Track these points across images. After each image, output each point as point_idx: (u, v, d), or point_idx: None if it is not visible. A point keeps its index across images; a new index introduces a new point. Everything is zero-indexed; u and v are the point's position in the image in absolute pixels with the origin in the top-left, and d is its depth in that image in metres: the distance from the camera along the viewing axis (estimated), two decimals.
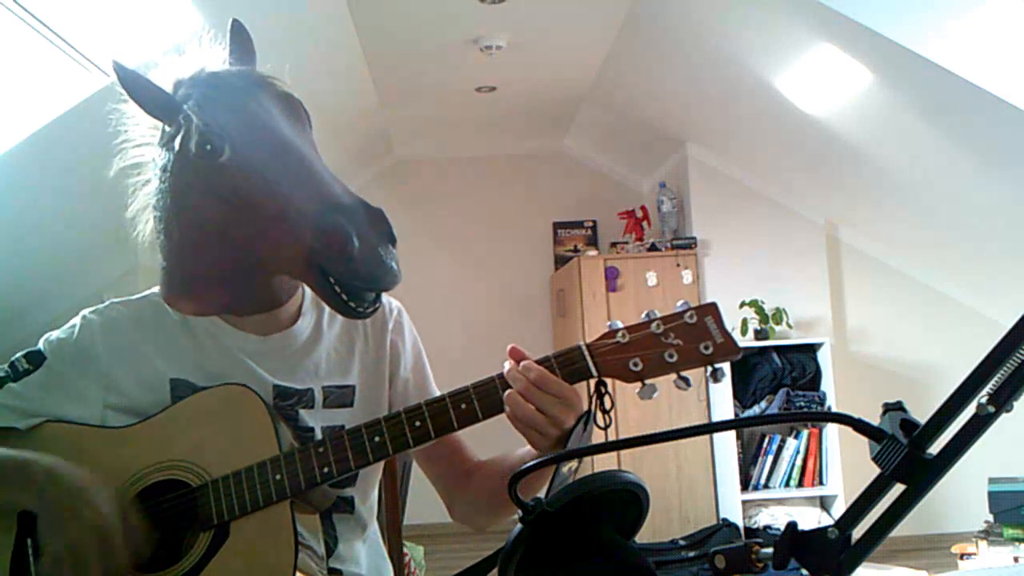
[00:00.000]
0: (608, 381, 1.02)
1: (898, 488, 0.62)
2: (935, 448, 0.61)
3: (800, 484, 4.43)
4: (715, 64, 3.89)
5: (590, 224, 5.63)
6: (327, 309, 1.22)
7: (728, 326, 1.02)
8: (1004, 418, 0.60)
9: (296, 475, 1.02)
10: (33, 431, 1.08)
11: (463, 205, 5.77)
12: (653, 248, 4.74)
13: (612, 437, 0.92)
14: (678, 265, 4.66)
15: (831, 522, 0.82)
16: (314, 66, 3.70)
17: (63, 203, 3.27)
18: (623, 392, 1.03)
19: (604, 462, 4.08)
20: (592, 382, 1.03)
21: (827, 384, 4.44)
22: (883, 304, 4.83)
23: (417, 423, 1.03)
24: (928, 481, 0.60)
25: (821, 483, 4.42)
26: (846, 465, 4.28)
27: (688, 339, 1.00)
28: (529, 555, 0.66)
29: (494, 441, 1.29)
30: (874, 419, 0.65)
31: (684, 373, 1.00)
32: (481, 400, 1.02)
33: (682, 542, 4.38)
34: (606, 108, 5.04)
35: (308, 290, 1.23)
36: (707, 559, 0.68)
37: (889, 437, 0.62)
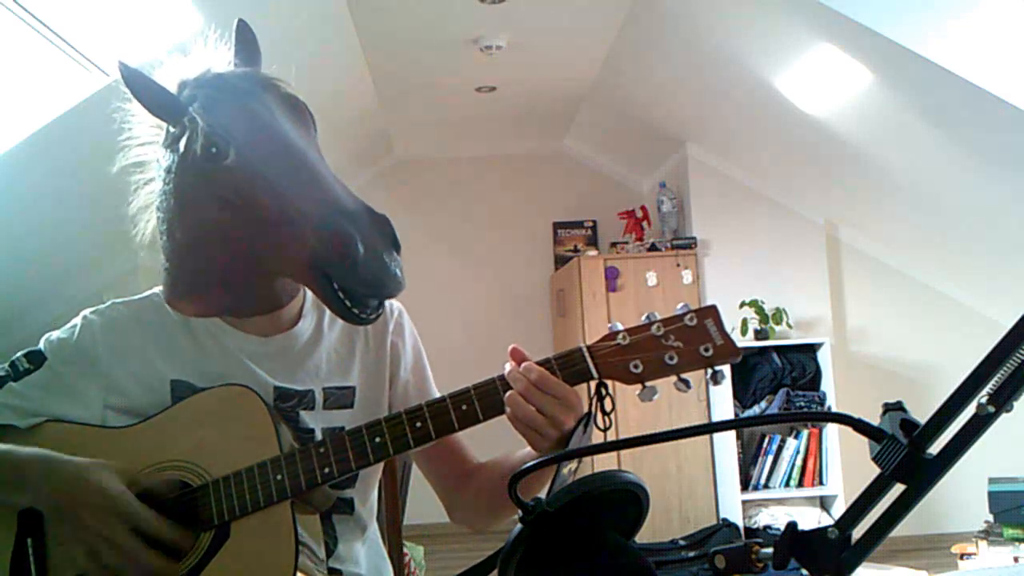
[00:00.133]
0: (608, 383, 1.02)
1: (898, 488, 0.62)
2: (935, 448, 0.61)
3: (800, 484, 4.43)
4: (715, 64, 3.89)
5: (590, 224, 5.63)
6: (328, 310, 1.22)
7: (728, 326, 1.02)
8: (1004, 418, 0.60)
9: (297, 475, 1.02)
10: (33, 430, 1.08)
11: (463, 205, 5.77)
12: (653, 248, 4.74)
13: (612, 437, 0.92)
14: (678, 265, 4.66)
15: (831, 522, 0.82)
16: (314, 66, 3.71)
17: (63, 203, 3.27)
18: (623, 392, 1.03)
19: (604, 462, 4.08)
20: (592, 384, 1.03)
21: (827, 384, 4.44)
22: (883, 304, 4.83)
23: (418, 424, 1.03)
24: (928, 481, 0.60)
25: (821, 483, 4.42)
26: (846, 465, 4.28)
27: (688, 341, 1.00)
28: (529, 555, 0.66)
29: (495, 442, 1.29)
30: (874, 419, 0.65)
31: (684, 375, 1.01)
32: (482, 401, 1.02)
33: (682, 542, 4.38)
34: (606, 108, 5.04)
35: (309, 291, 1.22)
36: (707, 559, 0.68)
37: (889, 437, 0.62)
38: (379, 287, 0.98)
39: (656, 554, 4.09)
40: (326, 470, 1.03)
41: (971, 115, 3.14)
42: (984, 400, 0.59)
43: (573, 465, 0.96)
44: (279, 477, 1.02)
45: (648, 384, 1.01)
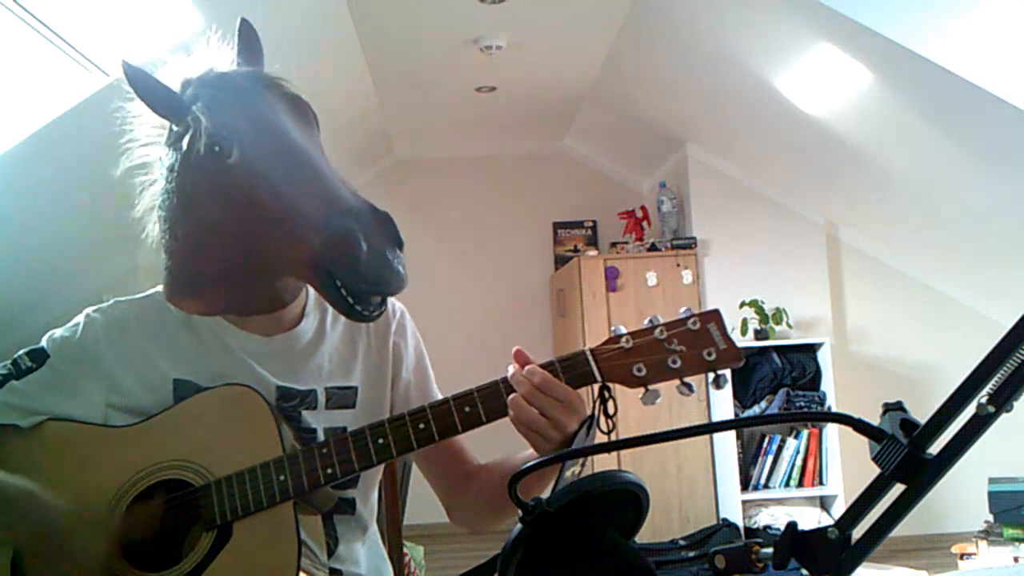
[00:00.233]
0: (611, 386, 1.03)
1: (898, 488, 0.62)
2: (935, 448, 0.61)
3: (800, 484, 4.43)
4: (715, 64, 3.89)
5: (590, 224, 5.63)
6: (330, 310, 1.22)
7: (728, 326, 1.02)
8: (1004, 418, 0.60)
9: (299, 476, 1.03)
10: (35, 430, 1.08)
11: (463, 205, 5.77)
12: (653, 248, 4.74)
13: (612, 436, 0.92)
14: (678, 265, 4.66)
15: (831, 522, 0.82)
16: (314, 66, 3.71)
17: (63, 203, 3.28)
18: (623, 393, 1.03)
19: (604, 462, 4.08)
20: (596, 387, 1.03)
21: (827, 384, 4.44)
22: (883, 304, 4.83)
23: (421, 425, 1.03)
24: (928, 481, 0.60)
25: (821, 483, 4.42)
26: (846, 465, 4.28)
27: (691, 345, 1.00)
28: (529, 555, 0.66)
29: (497, 444, 1.29)
30: (874, 419, 0.65)
31: (687, 379, 1.01)
32: (485, 403, 1.03)
33: (682, 542, 4.38)
34: (606, 108, 5.04)
35: (312, 291, 1.22)
36: (707, 559, 0.68)
37: (889, 437, 0.62)
38: (382, 284, 0.98)
39: (656, 554, 4.09)
40: (329, 471, 1.03)
41: (971, 115, 3.14)
42: (984, 400, 0.59)
43: (577, 467, 0.96)
44: (281, 477, 1.02)
45: (651, 387, 1.01)
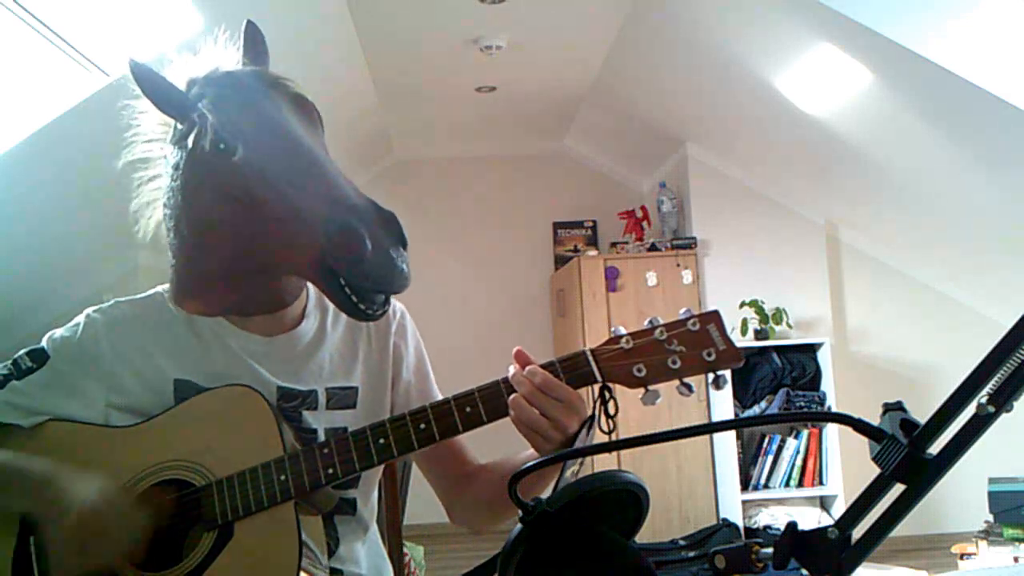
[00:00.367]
0: (611, 387, 1.03)
1: (898, 488, 0.62)
2: (935, 448, 0.61)
3: (800, 484, 4.43)
4: (715, 64, 3.89)
5: (590, 224, 5.64)
6: (331, 311, 1.23)
7: (728, 326, 1.03)
8: (1004, 418, 0.60)
9: (300, 476, 1.03)
10: (36, 429, 1.09)
11: (463, 205, 5.77)
12: (653, 248, 4.74)
13: (612, 436, 0.92)
14: (678, 265, 4.66)
15: (831, 522, 0.82)
16: (314, 66, 3.70)
17: (64, 203, 3.28)
18: (623, 393, 1.03)
19: (604, 462, 4.08)
20: (596, 387, 1.03)
21: (827, 384, 4.44)
22: (883, 304, 4.83)
23: (422, 425, 1.03)
24: (928, 481, 0.60)
25: (821, 483, 4.42)
26: (846, 465, 4.28)
27: (691, 346, 1.01)
28: (529, 555, 0.66)
29: (496, 444, 1.29)
30: (874, 419, 0.65)
31: (687, 379, 1.01)
32: (486, 404, 1.03)
33: (682, 542, 4.38)
34: (606, 108, 5.04)
35: (312, 292, 1.23)
36: (707, 559, 0.68)
37: (889, 437, 0.62)
38: (386, 283, 0.99)
39: (656, 554, 4.09)
40: (330, 471, 1.03)
41: (971, 115, 3.14)
42: (984, 400, 0.59)
43: (576, 467, 0.96)
44: (283, 477, 1.02)
45: (651, 388, 1.01)
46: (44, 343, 1.13)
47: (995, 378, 0.59)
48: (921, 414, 0.62)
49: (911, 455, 0.61)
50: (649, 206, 5.15)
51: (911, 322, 4.81)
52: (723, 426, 0.77)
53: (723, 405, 4.43)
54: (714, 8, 3.45)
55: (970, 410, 0.60)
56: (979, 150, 3.46)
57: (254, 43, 1.15)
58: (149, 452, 1.07)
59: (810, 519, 4.26)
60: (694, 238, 4.72)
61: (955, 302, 4.75)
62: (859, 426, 0.64)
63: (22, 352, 1.12)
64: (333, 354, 1.21)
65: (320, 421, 1.16)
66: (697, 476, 4.56)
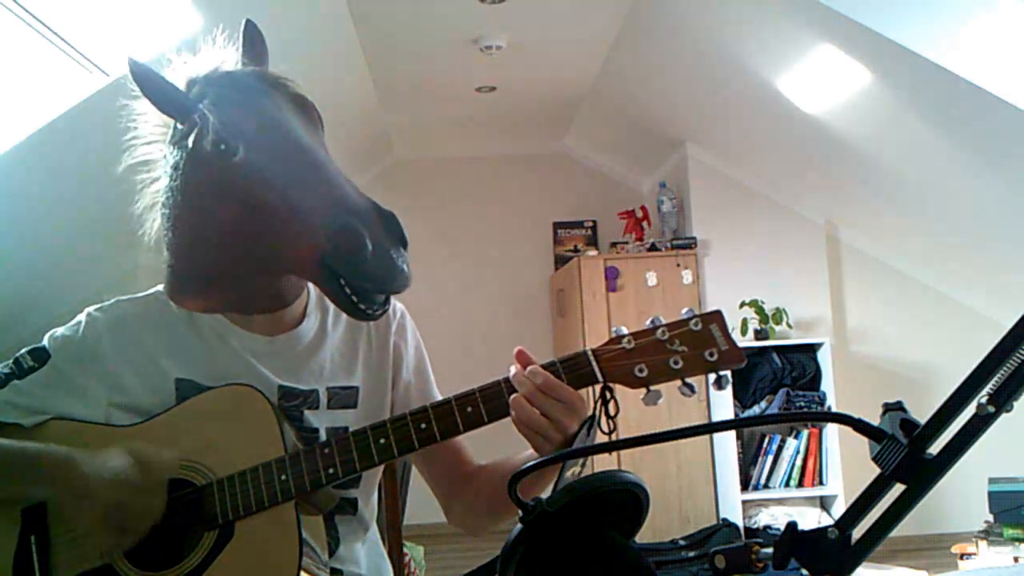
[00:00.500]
0: (612, 387, 1.03)
1: (898, 488, 0.62)
2: (935, 448, 0.61)
3: (800, 484, 4.43)
4: (715, 64, 3.89)
5: (590, 224, 5.63)
6: (332, 310, 1.23)
7: (728, 326, 1.02)
8: (1004, 418, 0.60)
9: (301, 476, 1.03)
10: (38, 429, 1.08)
11: (463, 205, 5.77)
12: (653, 248, 4.74)
13: (613, 437, 0.92)
14: (678, 265, 4.66)
15: (831, 522, 0.82)
16: (314, 66, 3.70)
17: (63, 203, 3.28)
18: (623, 392, 1.03)
19: (604, 462, 4.08)
20: (597, 388, 1.03)
21: (827, 384, 4.44)
22: (883, 304, 4.83)
23: (423, 425, 1.03)
24: (928, 481, 0.60)
25: (821, 483, 4.42)
26: (846, 465, 4.28)
27: (693, 346, 1.00)
28: (529, 555, 0.66)
29: (496, 445, 1.29)
30: (874, 419, 0.65)
31: (688, 380, 1.01)
32: (487, 403, 1.03)
33: (682, 542, 4.38)
34: (606, 108, 5.04)
35: (313, 291, 1.23)
36: (707, 559, 0.68)
37: (889, 437, 0.62)
38: (387, 283, 0.99)
39: (656, 554, 4.09)
40: (330, 471, 1.03)
41: (971, 115, 3.14)
42: (984, 400, 0.59)
43: (577, 468, 0.96)
44: (283, 477, 1.02)
45: (652, 388, 1.01)
46: (45, 342, 1.13)
47: (995, 378, 0.59)
48: (921, 414, 0.62)
49: (911, 455, 0.61)
50: (649, 206, 5.15)
51: (911, 322, 4.81)
52: (723, 426, 0.77)
53: (723, 405, 4.43)
54: (714, 8, 3.45)
55: (970, 410, 0.60)
56: (979, 150, 3.46)
57: (253, 43, 1.15)
58: None
59: (810, 519, 4.26)
60: (694, 238, 4.72)
61: (955, 302, 4.75)
62: (859, 426, 0.64)
63: (23, 351, 1.12)
64: (334, 354, 1.21)
65: (321, 421, 1.16)
66: (697, 476, 4.56)
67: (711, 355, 1.00)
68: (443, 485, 1.29)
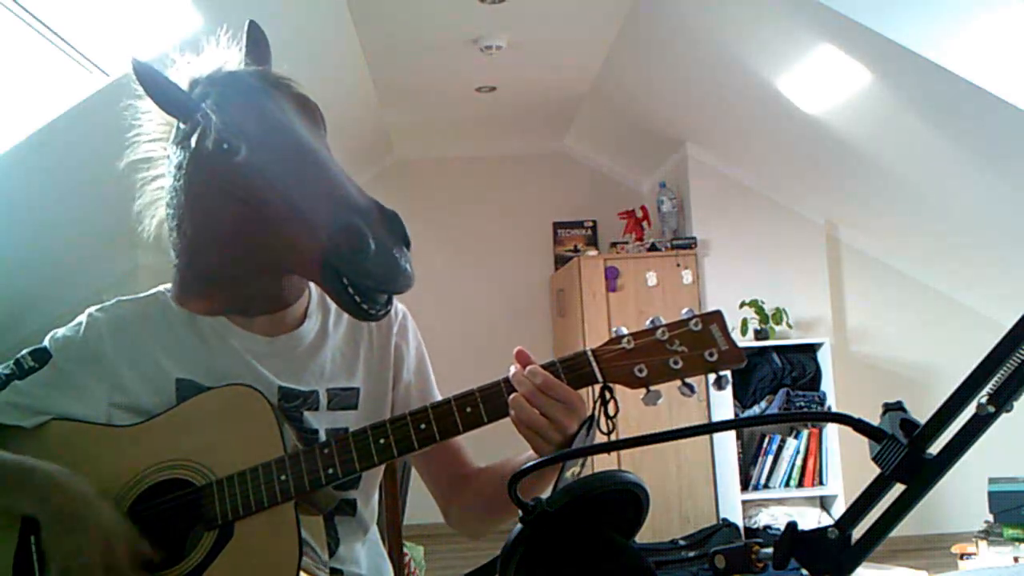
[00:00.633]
0: (612, 387, 1.03)
1: (898, 488, 0.62)
2: (935, 448, 0.61)
3: (800, 484, 4.43)
4: (715, 64, 3.89)
5: (590, 224, 5.64)
6: (333, 311, 1.23)
7: (728, 326, 1.02)
8: (1004, 418, 0.60)
9: (301, 476, 1.03)
10: (39, 429, 1.09)
11: (463, 205, 5.77)
12: (653, 248, 4.74)
13: (612, 437, 0.92)
14: (678, 265, 4.66)
15: (831, 522, 0.82)
16: (314, 66, 3.70)
17: (63, 203, 3.27)
18: (623, 392, 1.03)
19: (604, 462, 4.08)
20: (596, 388, 1.03)
21: (827, 384, 4.44)
22: (883, 304, 4.83)
23: (422, 425, 1.03)
24: (928, 481, 0.60)
25: (821, 483, 4.42)
26: (846, 465, 4.28)
27: (693, 346, 1.00)
28: (529, 555, 0.66)
29: (496, 445, 1.29)
30: (874, 419, 0.65)
31: (688, 380, 1.01)
32: (486, 404, 1.03)
33: (682, 542, 4.38)
34: (606, 108, 5.04)
35: (314, 292, 1.23)
36: (707, 559, 0.68)
37: (889, 437, 0.62)
38: (389, 282, 0.99)
39: (656, 554, 4.09)
40: (330, 471, 1.03)
41: (971, 115, 3.14)
42: (984, 400, 0.59)
43: (576, 468, 0.96)
44: (283, 477, 1.02)
45: (652, 388, 1.01)
46: (46, 342, 1.13)
47: (995, 378, 0.59)
48: (921, 414, 0.62)
49: (911, 455, 0.61)
50: (649, 206, 5.15)
51: (911, 322, 4.81)
52: (723, 426, 0.77)
53: (723, 405, 4.43)
54: (714, 8, 3.45)
55: (970, 410, 0.60)
56: (979, 150, 3.46)
57: (257, 43, 1.15)
58: (150, 451, 1.07)
59: (810, 519, 4.26)
60: (694, 238, 4.72)
61: (955, 302, 4.75)
62: (859, 426, 0.64)
63: (24, 352, 1.12)
64: (335, 354, 1.21)
65: (321, 421, 1.16)
66: (697, 476, 4.56)
67: (711, 355, 1.00)
68: (442, 487, 1.29)
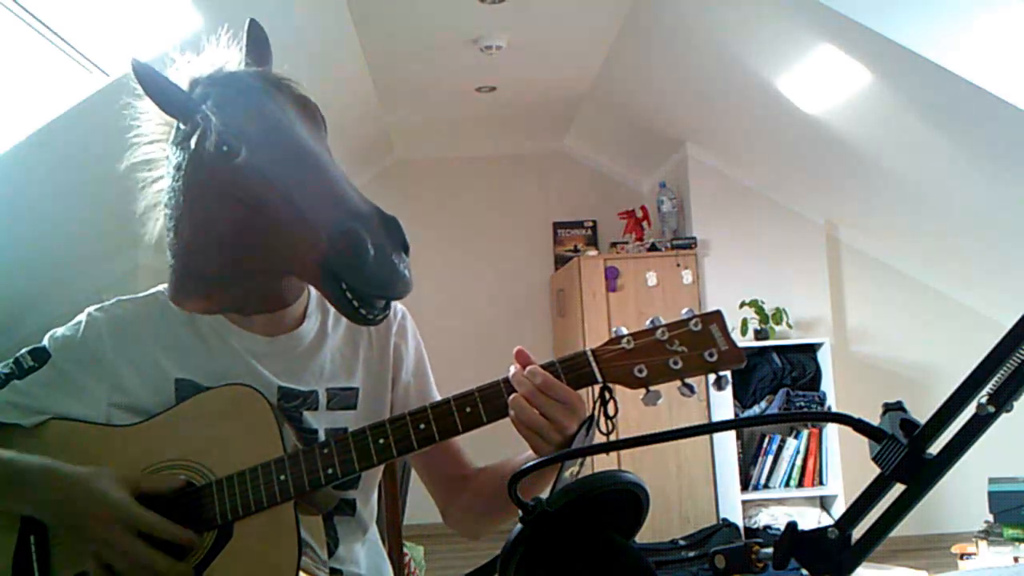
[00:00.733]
0: (611, 387, 1.02)
1: (898, 488, 0.62)
2: (935, 448, 0.61)
3: (800, 484, 4.43)
4: (715, 64, 3.89)
5: (590, 224, 5.63)
6: (332, 311, 1.22)
7: (728, 326, 1.02)
8: (1004, 418, 0.60)
9: (300, 476, 1.03)
10: (38, 429, 1.09)
11: (463, 205, 5.77)
12: (653, 248, 4.74)
13: (612, 437, 0.92)
14: (678, 265, 4.66)
15: (831, 522, 0.82)
16: (314, 66, 3.70)
17: (63, 203, 3.27)
18: (623, 393, 1.03)
19: (604, 462, 4.08)
20: (596, 388, 1.03)
21: (827, 384, 4.44)
22: (883, 304, 4.83)
23: (422, 425, 1.03)
24: (928, 481, 0.60)
25: (821, 483, 4.42)
26: (846, 465, 4.28)
27: (693, 346, 1.00)
28: (529, 555, 0.66)
29: (496, 446, 1.29)
30: (874, 419, 0.65)
31: (688, 380, 1.01)
32: (486, 404, 1.02)
33: (682, 542, 4.38)
34: (606, 108, 5.04)
35: (314, 292, 1.23)
36: (707, 559, 0.68)
37: (889, 437, 0.62)
38: (388, 288, 0.98)
39: (656, 554, 4.09)
40: (329, 471, 1.03)
41: (971, 115, 3.14)
42: (984, 400, 0.59)
43: (575, 468, 0.96)
44: (282, 477, 1.02)
45: (652, 388, 1.01)
46: (46, 342, 1.13)
47: (995, 378, 0.59)
48: (921, 414, 0.62)
49: (911, 455, 0.61)
50: (649, 206, 5.15)
51: (911, 322, 4.81)
52: (723, 426, 0.77)
53: (723, 405, 4.43)
54: (714, 8, 3.45)
55: (970, 410, 0.60)
56: (979, 150, 3.46)
57: (257, 43, 1.15)
58: (150, 451, 1.07)
59: (810, 519, 4.26)
60: (694, 238, 4.72)
61: (955, 302, 4.75)
62: (859, 426, 0.64)
63: (24, 351, 1.12)
64: (334, 355, 1.21)
65: (321, 421, 1.16)
66: (697, 476, 4.56)
67: (711, 355, 1.00)
68: (441, 487, 1.29)
